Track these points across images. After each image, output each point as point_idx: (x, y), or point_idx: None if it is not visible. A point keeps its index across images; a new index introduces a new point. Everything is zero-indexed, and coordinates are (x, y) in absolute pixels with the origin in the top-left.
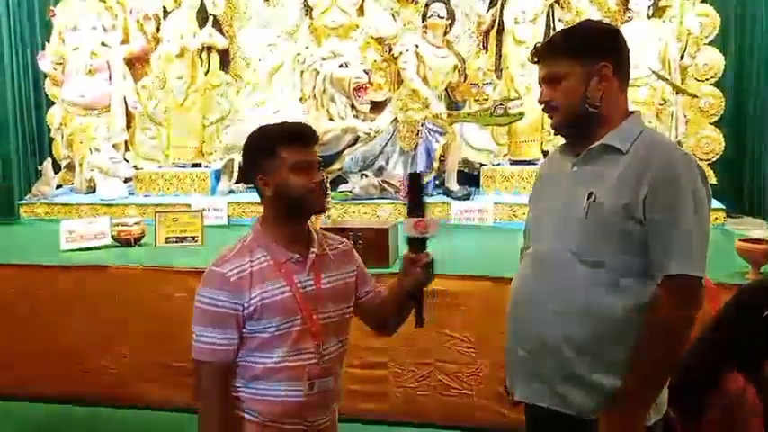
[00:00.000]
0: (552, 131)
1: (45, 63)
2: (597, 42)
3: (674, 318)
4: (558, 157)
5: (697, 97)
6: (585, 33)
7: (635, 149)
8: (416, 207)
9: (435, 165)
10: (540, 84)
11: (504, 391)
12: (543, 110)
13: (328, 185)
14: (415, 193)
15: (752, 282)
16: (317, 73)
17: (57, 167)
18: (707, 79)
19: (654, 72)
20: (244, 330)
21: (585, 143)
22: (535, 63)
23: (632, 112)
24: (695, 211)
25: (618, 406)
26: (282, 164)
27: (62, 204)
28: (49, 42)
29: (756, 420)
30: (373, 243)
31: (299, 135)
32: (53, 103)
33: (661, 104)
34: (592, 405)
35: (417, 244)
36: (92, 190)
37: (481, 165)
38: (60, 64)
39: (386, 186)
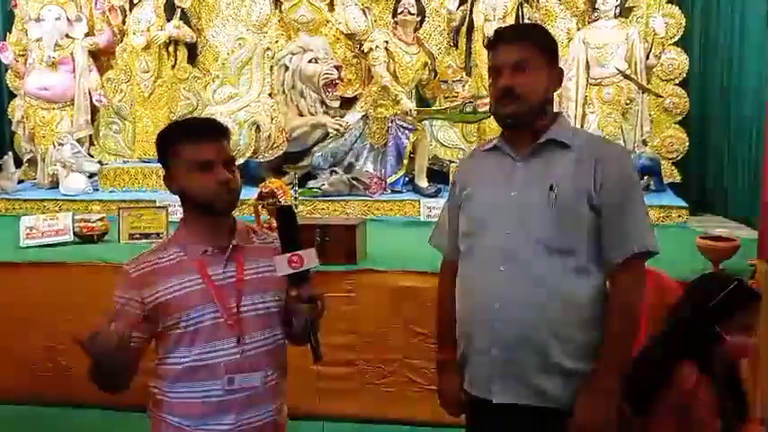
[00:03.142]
0: (503, 121)
1: (6, 55)
2: (556, 47)
3: (639, 296)
4: (485, 157)
5: (662, 97)
6: (549, 36)
7: (579, 144)
8: (289, 242)
9: (405, 161)
10: (497, 69)
11: (446, 398)
12: (500, 96)
13: (239, 183)
14: (286, 227)
15: (702, 275)
16: (286, 68)
17: (18, 162)
18: (671, 79)
19: (620, 72)
20: (158, 328)
21: (527, 139)
22: (491, 48)
23: (558, 113)
24: (642, 198)
25: (592, 389)
26: (181, 163)
27: (23, 200)
28: (10, 33)
29: (713, 422)
30: (342, 240)
31: (197, 131)
32: (15, 96)
33: (627, 104)
34: (571, 395)
35: (297, 279)
36: (55, 185)
37: (450, 162)
38: (23, 56)
39: (355, 183)
